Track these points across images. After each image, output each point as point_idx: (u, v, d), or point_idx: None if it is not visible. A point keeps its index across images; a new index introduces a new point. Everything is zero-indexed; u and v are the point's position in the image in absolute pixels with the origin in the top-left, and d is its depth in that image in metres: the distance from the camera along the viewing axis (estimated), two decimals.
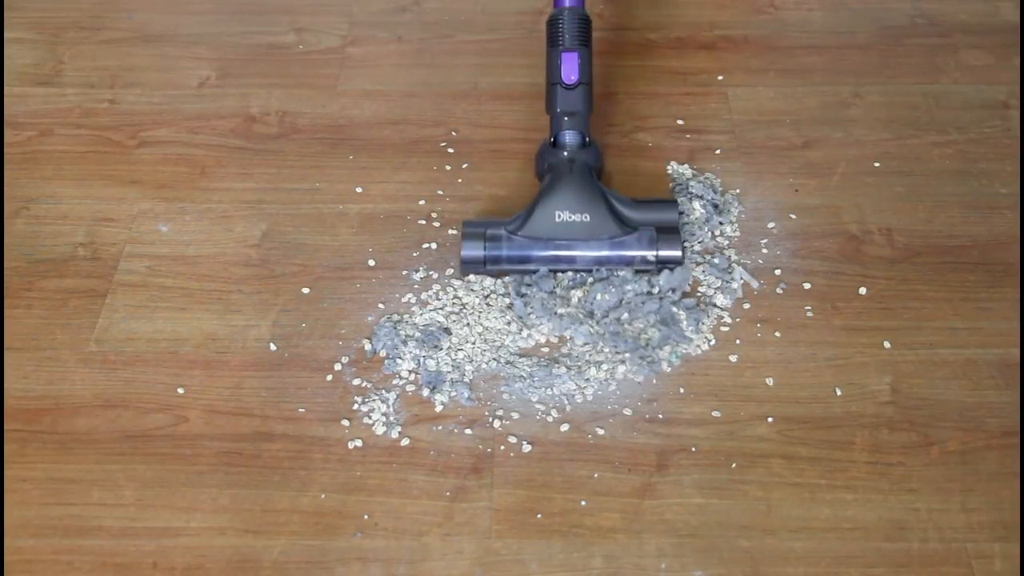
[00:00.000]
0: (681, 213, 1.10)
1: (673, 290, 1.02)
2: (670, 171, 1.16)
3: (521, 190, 1.15)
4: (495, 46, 1.35)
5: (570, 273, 1.04)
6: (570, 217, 1.03)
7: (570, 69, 1.08)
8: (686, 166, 1.16)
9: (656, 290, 1.02)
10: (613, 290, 1.01)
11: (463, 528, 0.87)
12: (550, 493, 0.90)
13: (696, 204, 1.11)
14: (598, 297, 1.01)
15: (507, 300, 1.03)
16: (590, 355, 0.99)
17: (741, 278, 1.05)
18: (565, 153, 1.08)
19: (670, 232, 1.04)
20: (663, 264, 1.04)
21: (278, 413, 0.95)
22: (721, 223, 1.10)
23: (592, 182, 1.06)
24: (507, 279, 1.05)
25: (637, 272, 1.04)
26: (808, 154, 1.19)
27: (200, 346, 1.01)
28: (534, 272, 1.04)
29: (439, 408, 0.95)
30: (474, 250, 1.03)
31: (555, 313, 1.01)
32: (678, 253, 1.03)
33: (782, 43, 1.34)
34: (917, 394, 0.96)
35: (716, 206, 1.12)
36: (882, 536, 0.86)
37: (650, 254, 1.03)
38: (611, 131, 1.22)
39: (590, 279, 1.04)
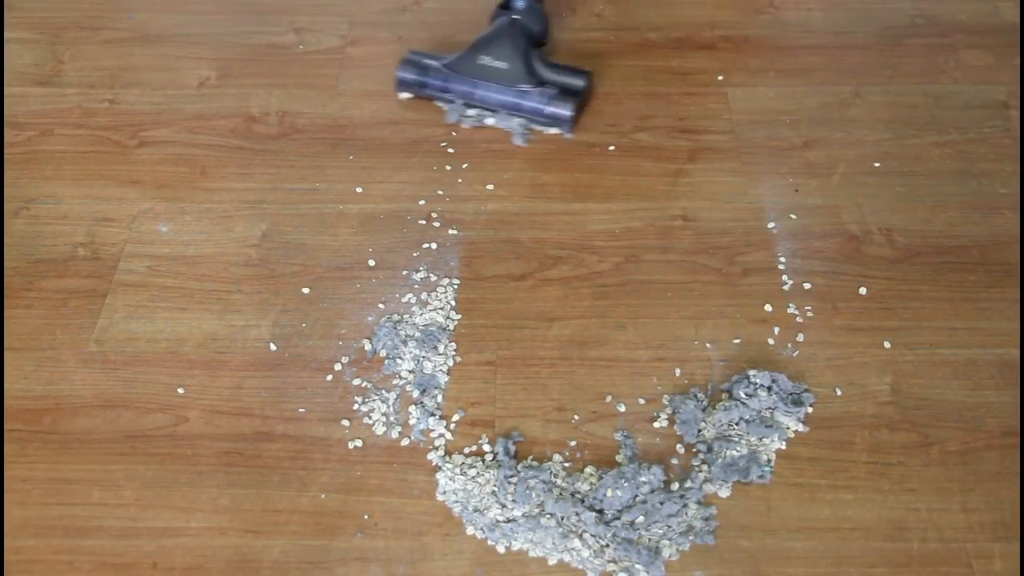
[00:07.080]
0: None
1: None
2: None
3: (522, 190, 1.15)
4: None
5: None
6: (491, 62, 1.21)
7: None
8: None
9: (675, 487, 0.90)
10: (626, 484, 0.89)
11: (463, 528, 0.87)
12: None
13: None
14: (608, 493, 0.88)
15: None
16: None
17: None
18: (509, 12, 1.24)
19: (570, 94, 1.20)
20: (551, 120, 1.19)
21: (278, 413, 0.95)
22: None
23: (520, 38, 1.21)
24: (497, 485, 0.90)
25: (529, 126, 1.20)
26: (808, 154, 1.19)
27: (200, 346, 1.01)
28: (453, 103, 1.21)
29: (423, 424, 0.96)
30: (406, 72, 1.24)
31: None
32: (568, 112, 1.18)
33: (782, 43, 1.34)
34: (917, 394, 0.96)
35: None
36: (882, 536, 0.86)
37: (545, 108, 1.19)
38: (611, 131, 1.22)
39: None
